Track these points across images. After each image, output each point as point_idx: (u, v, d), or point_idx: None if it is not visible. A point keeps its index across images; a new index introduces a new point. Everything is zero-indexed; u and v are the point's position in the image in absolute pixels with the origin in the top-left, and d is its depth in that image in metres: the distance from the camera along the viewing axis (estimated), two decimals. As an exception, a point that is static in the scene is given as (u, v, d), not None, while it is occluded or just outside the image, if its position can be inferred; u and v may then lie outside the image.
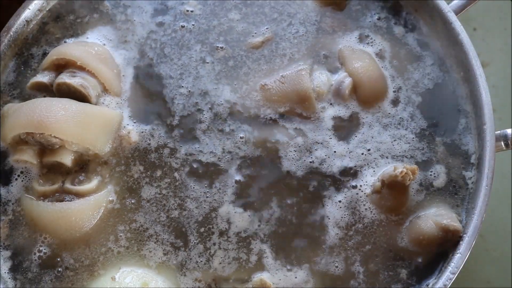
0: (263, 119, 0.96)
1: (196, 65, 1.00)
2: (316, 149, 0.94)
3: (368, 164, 0.93)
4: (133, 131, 0.95)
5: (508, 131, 0.92)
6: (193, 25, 1.04)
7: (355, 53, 0.99)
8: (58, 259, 0.88)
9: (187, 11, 1.05)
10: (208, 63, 1.01)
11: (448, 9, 1.00)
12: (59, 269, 0.87)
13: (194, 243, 0.89)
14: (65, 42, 1.02)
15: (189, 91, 0.98)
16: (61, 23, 1.05)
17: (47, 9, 1.05)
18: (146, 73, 1.00)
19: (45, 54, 1.00)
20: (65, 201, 0.89)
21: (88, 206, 0.89)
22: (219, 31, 1.03)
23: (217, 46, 1.02)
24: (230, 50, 1.02)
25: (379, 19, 1.04)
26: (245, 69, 1.00)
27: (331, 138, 0.94)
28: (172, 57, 1.01)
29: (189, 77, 0.99)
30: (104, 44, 1.02)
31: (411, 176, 0.87)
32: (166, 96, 0.98)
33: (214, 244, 0.88)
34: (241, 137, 0.95)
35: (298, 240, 0.89)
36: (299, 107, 0.96)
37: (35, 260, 0.88)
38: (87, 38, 1.02)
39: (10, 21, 1.01)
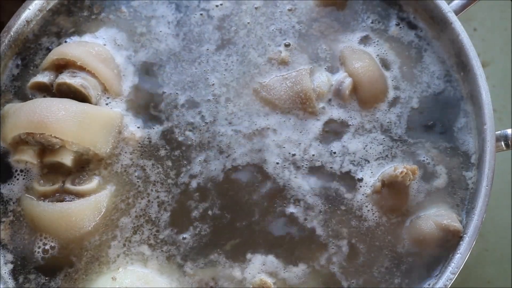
0: (263, 119, 0.96)
1: (195, 66, 1.00)
2: (316, 149, 0.94)
3: (363, 165, 0.93)
4: (133, 131, 0.95)
5: (508, 131, 0.92)
6: (190, 30, 1.04)
7: (355, 53, 0.99)
8: (58, 259, 0.88)
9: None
10: (207, 63, 1.01)
11: (448, 9, 1.00)
12: (59, 269, 0.87)
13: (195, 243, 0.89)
14: (65, 42, 1.02)
15: (190, 91, 0.98)
16: (62, 22, 1.04)
17: (47, 9, 1.05)
18: (146, 73, 1.00)
19: (45, 54, 1.00)
20: (66, 201, 0.89)
21: (88, 206, 0.89)
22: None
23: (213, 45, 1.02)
24: (233, 50, 1.02)
25: (379, 19, 1.04)
26: (245, 69, 1.00)
27: (330, 138, 0.94)
28: (172, 58, 1.01)
29: (190, 78, 1.00)
30: (105, 44, 1.02)
31: (411, 176, 0.87)
32: (166, 97, 0.98)
33: (215, 244, 0.89)
34: (240, 137, 0.95)
35: (298, 239, 0.89)
36: (299, 107, 0.96)
37: (35, 260, 0.88)
38: (88, 36, 1.02)
39: (10, 21, 1.01)
